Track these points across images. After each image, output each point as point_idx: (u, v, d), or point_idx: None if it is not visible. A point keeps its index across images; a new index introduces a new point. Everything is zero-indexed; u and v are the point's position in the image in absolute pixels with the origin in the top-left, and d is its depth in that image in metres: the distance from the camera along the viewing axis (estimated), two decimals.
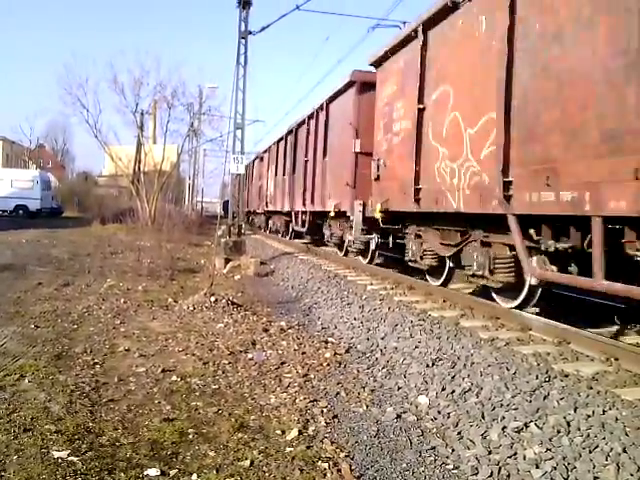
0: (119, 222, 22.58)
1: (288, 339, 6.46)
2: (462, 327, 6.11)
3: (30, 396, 4.31)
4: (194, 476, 3.24)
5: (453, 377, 4.72)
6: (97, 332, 6.50)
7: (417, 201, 8.02)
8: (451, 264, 8.07)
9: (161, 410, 4.21)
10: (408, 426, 4.09)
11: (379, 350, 5.94)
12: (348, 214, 11.26)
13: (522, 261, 5.75)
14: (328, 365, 5.53)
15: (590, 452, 3.24)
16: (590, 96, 4.63)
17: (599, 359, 4.86)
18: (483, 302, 7.12)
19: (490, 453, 3.52)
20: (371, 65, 10.31)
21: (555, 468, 3.19)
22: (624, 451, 3.17)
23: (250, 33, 16.77)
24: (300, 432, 3.89)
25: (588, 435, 3.39)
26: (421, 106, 7.99)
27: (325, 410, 4.35)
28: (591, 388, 4.05)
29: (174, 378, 4.95)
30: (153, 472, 3.25)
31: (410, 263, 9.10)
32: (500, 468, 3.34)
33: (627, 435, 3.31)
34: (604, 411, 3.63)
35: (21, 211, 33.68)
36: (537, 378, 4.28)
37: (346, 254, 13.03)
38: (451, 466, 3.50)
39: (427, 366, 5.09)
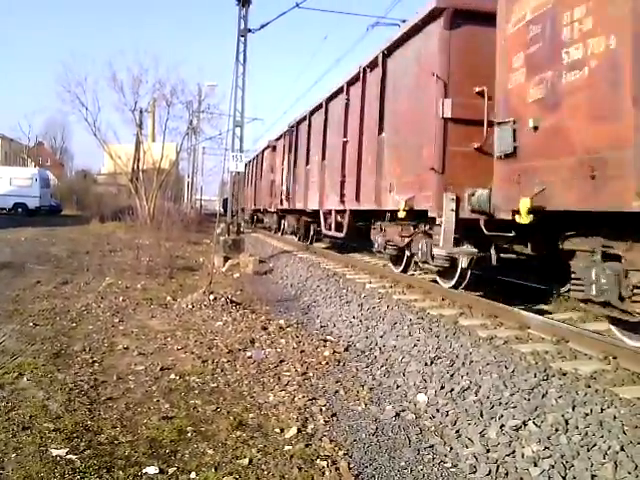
0: (118, 220, 22.56)
1: (287, 337, 6.47)
2: (461, 325, 6.11)
3: (29, 394, 4.32)
4: (193, 474, 3.25)
5: (452, 375, 4.72)
6: (96, 330, 6.51)
7: None
8: None
9: (160, 408, 4.21)
10: (407, 424, 4.10)
11: (378, 348, 5.94)
12: (432, 215, 7.47)
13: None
14: (327, 363, 5.54)
15: (588, 450, 3.25)
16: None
17: (597, 358, 4.86)
18: (482, 301, 7.12)
19: (488, 451, 3.52)
20: None
21: (553, 466, 3.19)
22: (622, 449, 3.17)
23: (249, 31, 16.77)
24: (299, 430, 3.89)
25: (586, 433, 3.40)
26: None
27: (324, 408, 4.36)
28: (589, 387, 4.05)
29: (173, 376, 4.95)
30: (152, 470, 3.25)
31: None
32: (498, 466, 3.35)
33: (625, 433, 3.31)
34: (602, 409, 3.63)
35: (20, 209, 33.64)
36: (535, 376, 4.28)
37: (405, 270, 9.73)
38: (449, 464, 3.50)
39: (426, 364, 5.09)
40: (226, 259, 14.05)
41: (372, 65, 9.87)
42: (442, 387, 4.56)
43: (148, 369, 5.14)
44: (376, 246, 10.43)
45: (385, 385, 4.94)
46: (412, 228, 8.73)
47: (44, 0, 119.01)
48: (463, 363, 4.90)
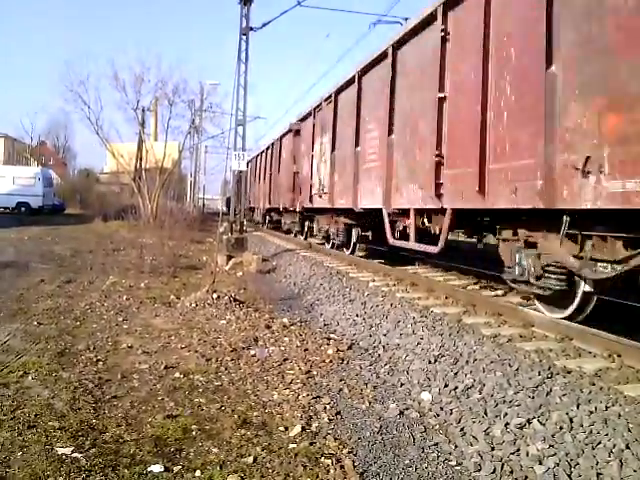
0: (121, 219, 22.58)
1: (290, 336, 6.47)
2: (464, 324, 6.10)
3: (34, 393, 4.33)
4: (197, 472, 3.25)
5: (456, 373, 4.72)
6: (100, 329, 6.52)
7: None
8: None
9: (164, 407, 4.22)
10: (411, 422, 4.10)
11: (382, 347, 5.94)
12: None
13: None
14: (331, 362, 5.54)
15: (593, 448, 3.25)
16: None
17: (601, 355, 4.86)
18: (486, 299, 7.11)
19: (493, 449, 3.52)
20: None
21: (558, 464, 3.19)
22: (627, 447, 3.17)
23: (251, 29, 16.75)
24: (303, 428, 3.89)
25: (591, 431, 3.40)
26: None
27: (328, 407, 4.36)
28: (594, 384, 4.05)
29: (177, 375, 4.96)
30: (157, 468, 3.26)
31: None
32: (503, 464, 3.35)
33: (630, 431, 3.31)
34: (607, 407, 3.63)
35: (23, 208, 33.67)
36: (540, 374, 4.27)
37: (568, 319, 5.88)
38: (454, 462, 3.50)
39: (430, 362, 5.09)
40: (229, 258, 14.05)
41: None
42: (446, 385, 4.56)
43: (152, 368, 5.15)
44: (516, 273, 6.28)
45: (389, 383, 4.94)
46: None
47: (44, 0, 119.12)
48: (467, 361, 4.90)
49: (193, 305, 7.88)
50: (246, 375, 5.05)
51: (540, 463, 3.25)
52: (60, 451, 3.40)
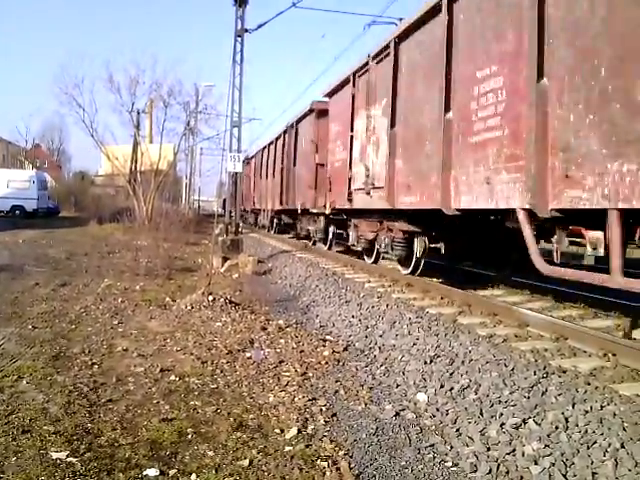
0: (116, 222, 22.51)
1: (286, 337, 6.46)
2: (460, 324, 6.11)
3: (28, 397, 4.31)
4: (193, 476, 3.24)
5: (451, 374, 4.72)
6: (95, 332, 6.50)
7: None
8: None
9: (160, 410, 4.21)
10: (407, 424, 4.09)
11: (377, 348, 5.94)
12: None
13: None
14: (326, 363, 5.53)
15: (588, 448, 3.25)
16: None
17: (596, 355, 4.87)
18: (481, 299, 7.12)
19: (489, 450, 3.52)
20: None
21: (554, 464, 3.19)
22: (622, 447, 3.18)
23: (246, 31, 16.74)
24: (299, 431, 3.89)
25: (586, 431, 3.40)
26: None
27: (324, 408, 4.35)
28: (589, 384, 4.06)
29: (173, 378, 4.94)
30: (152, 472, 3.25)
31: None
32: (499, 465, 3.35)
33: (625, 430, 3.31)
34: (602, 407, 3.63)
35: (18, 211, 33.57)
36: (535, 374, 4.28)
37: None
38: (450, 463, 3.50)
39: (425, 363, 5.10)
40: (225, 259, 14.03)
41: None
42: (442, 386, 4.56)
43: (148, 371, 5.13)
44: None
45: (385, 384, 4.94)
46: None
47: (40, 2, 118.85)
48: (463, 362, 4.90)
49: (188, 307, 7.85)
50: (242, 377, 5.04)
51: (536, 463, 3.26)
52: (55, 456, 3.38)
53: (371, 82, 9.62)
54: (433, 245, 8.40)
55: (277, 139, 20.32)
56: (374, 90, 9.44)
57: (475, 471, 3.35)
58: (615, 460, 3.09)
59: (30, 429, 3.73)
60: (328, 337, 6.59)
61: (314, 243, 15.98)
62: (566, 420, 3.56)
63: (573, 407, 3.70)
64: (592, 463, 3.13)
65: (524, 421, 3.68)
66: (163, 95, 27.77)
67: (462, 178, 6.49)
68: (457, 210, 6.69)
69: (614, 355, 4.76)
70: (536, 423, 3.62)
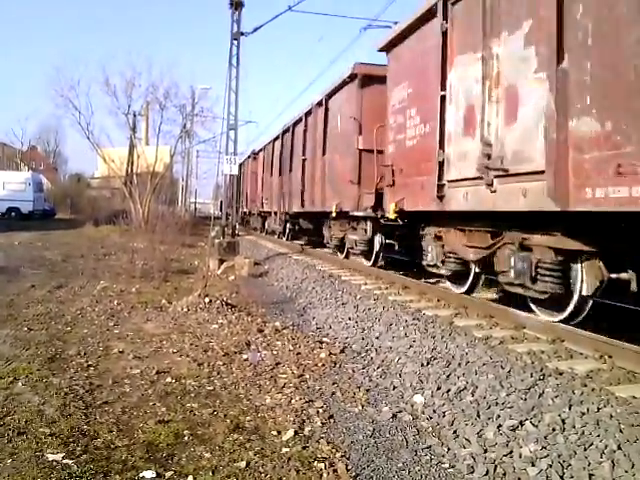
0: (112, 224, 22.46)
1: (283, 339, 6.45)
2: (456, 326, 6.11)
3: (24, 399, 4.29)
4: (190, 478, 3.23)
5: (448, 376, 4.72)
6: (91, 334, 6.47)
7: None
8: None
9: (156, 412, 4.19)
10: (404, 425, 4.09)
11: (374, 350, 5.94)
12: None
13: None
14: (323, 365, 5.53)
15: (585, 449, 3.25)
16: None
17: (593, 357, 4.88)
18: (477, 301, 7.13)
19: (486, 452, 3.52)
20: None
21: (551, 466, 3.20)
22: (619, 448, 3.18)
23: (242, 34, 16.74)
24: (296, 432, 3.88)
25: (583, 433, 3.40)
26: None
27: (321, 410, 4.35)
28: (585, 386, 4.06)
29: (169, 380, 4.93)
30: (148, 474, 3.24)
31: None
32: (496, 466, 3.35)
33: (622, 432, 3.32)
34: (599, 409, 3.64)
35: (13, 213, 33.51)
36: (532, 376, 4.28)
37: None
38: (447, 465, 3.50)
39: (422, 365, 5.09)
40: (221, 262, 14.02)
41: None
42: (439, 388, 4.56)
43: (144, 373, 5.12)
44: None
45: (382, 386, 4.93)
46: None
47: (36, 4, 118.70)
48: (459, 364, 4.90)
49: (185, 309, 7.84)
50: (238, 379, 5.03)
51: (533, 465, 3.26)
52: (51, 457, 3.36)
53: (488, 3, 6.03)
54: (614, 276, 5.32)
55: (295, 124, 16.21)
56: (497, 13, 5.88)
57: (472, 473, 3.35)
58: (612, 462, 3.10)
59: (26, 431, 3.71)
60: (325, 339, 6.59)
61: (346, 256, 12.50)
62: (563, 422, 3.56)
63: (570, 409, 3.70)
64: (589, 465, 3.13)
65: (521, 423, 3.68)
66: (159, 97, 27.74)
67: None
68: None
69: (610, 357, 4.77)
70: (533, 425, 3.62)
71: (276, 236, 20.53)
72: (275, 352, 5.93)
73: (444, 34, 6.97)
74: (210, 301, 8.09)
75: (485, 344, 5.31)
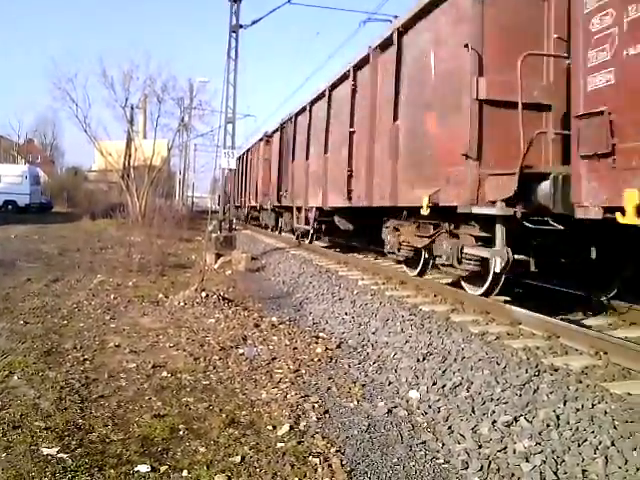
0: (109, 217, 22.45)
1: (279, 334, 6.46)
2: (452, 321, 6.12)
3: (19, 393, 4.29)
4: (185, 472, 3.24)
5: (444, 371, 4.73)
6: (87, 328, 6.47)
7: None
8: None
9: (152, 406, 4.19)
10: (399, 421, 4.10)
11: (370, 345, 5.95)
12: None
13: None
14: (319, 360, 5.53)
15: (579, 445, 3.27)
16: None
17: (588, 353, 4.90)
18: (473, 297, 7.14)
19: (480, 447, 3.53)
20: None
21: (544, 462, 3.21)
22: (613, 444, 3.19)
23: (241, 27, 16.69)
24: (291, 427, 3.88)
25: (577, 429, 3.42)
26: None
27: (316, 405, 4.35)
28: (580, 382, 4.08)
29: (165, 374, 4.93)
30: (143, 468, 3.24)
31: None
32: (490, 462, 3.36)
33: (616, 428, 3.33)
34: (593, 405, 3.65)
35: (10, 206, 33.42)
36: (527, 372, 4.29)
37: None
38: (441, 460, 3.51)
39: (418, 361, 5.10)
40: (218, 256, 14.00)
41: None
42: (434, 383, 4.57)
43: (140, 367, 5.12)
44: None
45: (377, 382, 4.94)
46: None
47: None
48: (455, 359, 4.91)
49: (181, 304, 7.83)
50: (234, 374, 5.03)
51: (527, 460, 3.27)
52: (46, 451, 3.36)
53: None
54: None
55: (333, 88, 11.97)
56: None
57: (466, 468, 3.36)
58: (605, 458, 3.11)
59: (21, 425, 3.71)
60: (321, 334, 6.59)
61: (422, 272, 8.82)
62: (557, 418, 3.57)
63: (564, 405, 3.71)
64: (583, 461, 3.14)
65: (515, 419, 3.69)
66: (157, 90, 27.70)
67: None
68: None
69: (605, 354, 4.79)
70: (527, 421, 3.64)
71: (305, 240, 15.69)
72: (271, 347, 5.94)
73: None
74: (207, 295, 8.08)
75: (481, 340, 5.32)
